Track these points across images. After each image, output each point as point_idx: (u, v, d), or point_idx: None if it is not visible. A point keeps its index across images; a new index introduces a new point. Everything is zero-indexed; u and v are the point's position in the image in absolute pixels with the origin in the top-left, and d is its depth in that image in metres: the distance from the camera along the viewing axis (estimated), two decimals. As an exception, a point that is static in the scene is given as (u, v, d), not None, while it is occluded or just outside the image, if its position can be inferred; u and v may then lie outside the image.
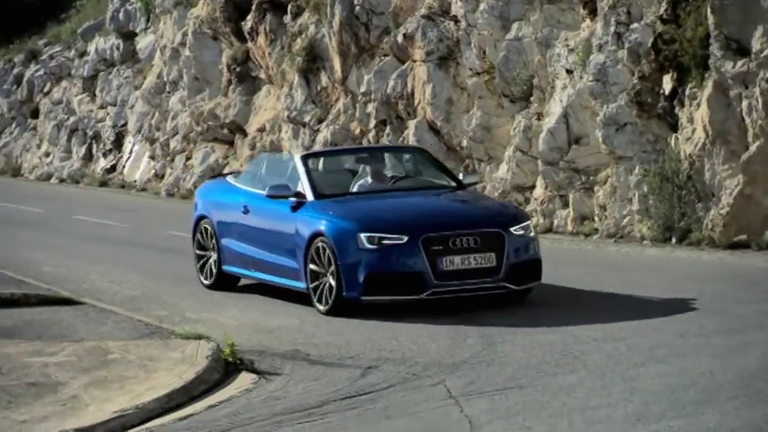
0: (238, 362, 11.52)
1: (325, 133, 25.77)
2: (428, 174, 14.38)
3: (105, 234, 22.95)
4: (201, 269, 15.53)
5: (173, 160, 31.30)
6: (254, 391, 10.66)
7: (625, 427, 8.15)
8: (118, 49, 34.54)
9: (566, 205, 19.93)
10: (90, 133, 34.88)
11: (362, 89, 24.72)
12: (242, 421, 9.63)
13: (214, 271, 15.31)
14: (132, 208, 27.99)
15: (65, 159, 35.55)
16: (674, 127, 18.05)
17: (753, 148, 16.58)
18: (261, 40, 27.90)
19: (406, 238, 12.32)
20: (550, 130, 19.92)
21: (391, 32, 24.11)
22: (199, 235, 15.53)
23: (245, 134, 28.72)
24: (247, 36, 28.36)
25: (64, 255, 19.91)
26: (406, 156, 14.96)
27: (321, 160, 14.61)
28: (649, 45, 18.17)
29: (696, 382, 9.30)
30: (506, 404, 9.22)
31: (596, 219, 19.32)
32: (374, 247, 12.40)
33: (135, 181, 32.18)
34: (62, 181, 34.86)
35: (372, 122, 24.55)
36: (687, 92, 17.66)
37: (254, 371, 11.37)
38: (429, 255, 12.27)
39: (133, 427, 9.78)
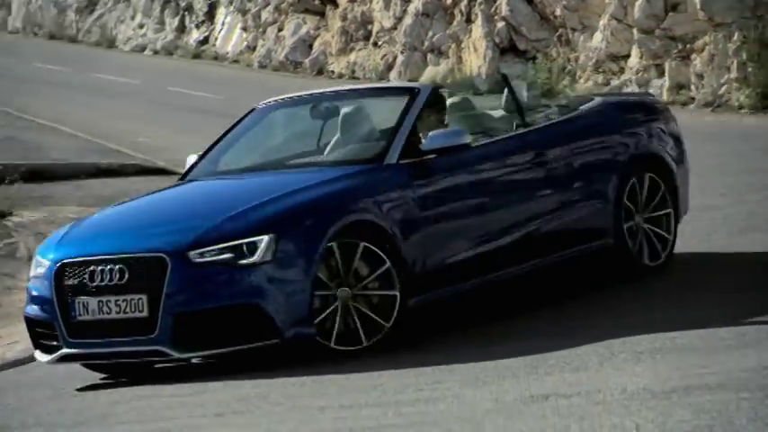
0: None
1: (416, 3, 25.51)
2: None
3: (198, 106, 23.12)
4: None
5: (264, 32, 31.28)
6: None
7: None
8: None
9: (661, 74, 19.62)
10: (183, 4, 34.95)
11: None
12: None
13: None
14: (225, 80, 28.12)
15: (158, 31, 35.71)
16: (775, -8, 17.62)
17: None
18: None
19: (46, 265, 7.73)
20: (647, -3, 19.55)
21: None
22: None
23: (335, 5, 28.54)
24: None
25: (159, 125, 20.13)
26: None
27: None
28: None
29: None
30: None
31: (693, 87, 19.02)
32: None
33: (227, 53, 32.26)
34: (156, 53, 35.05)
35: (465, -9, 24.20)
36: (789, -45, 17.21)
37: None
38: (62, 294, 7.57)
39: None
